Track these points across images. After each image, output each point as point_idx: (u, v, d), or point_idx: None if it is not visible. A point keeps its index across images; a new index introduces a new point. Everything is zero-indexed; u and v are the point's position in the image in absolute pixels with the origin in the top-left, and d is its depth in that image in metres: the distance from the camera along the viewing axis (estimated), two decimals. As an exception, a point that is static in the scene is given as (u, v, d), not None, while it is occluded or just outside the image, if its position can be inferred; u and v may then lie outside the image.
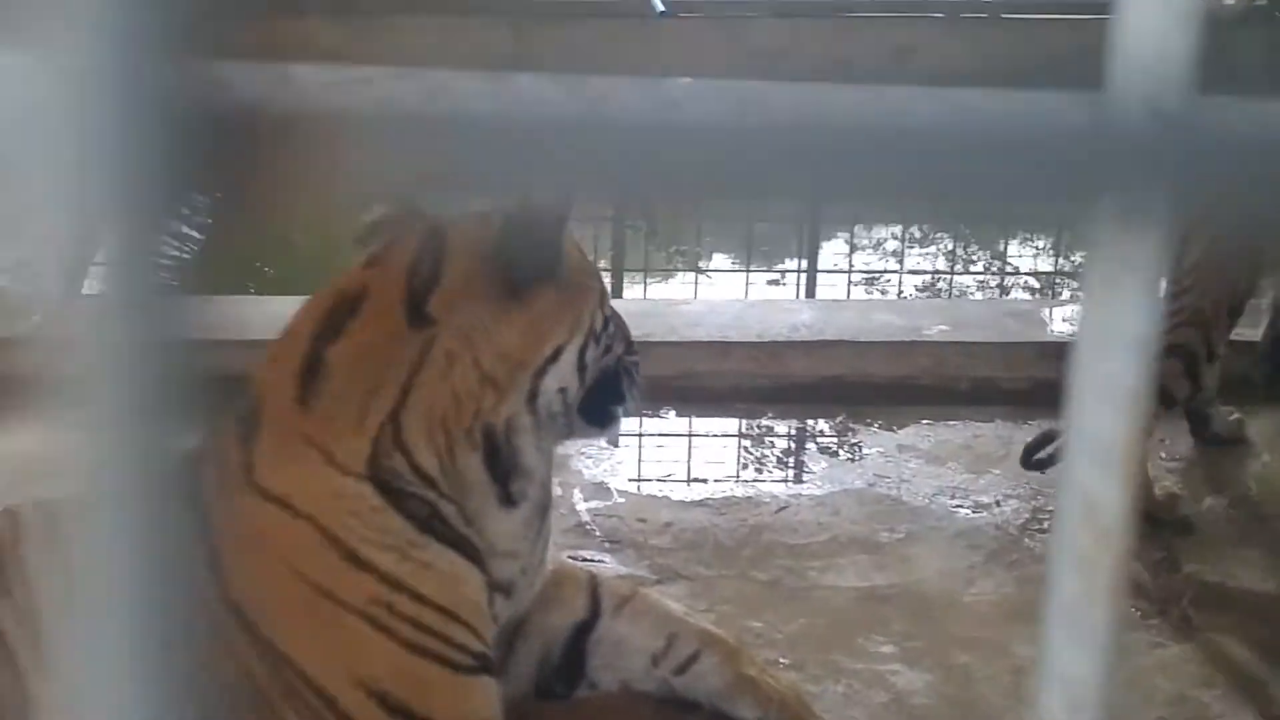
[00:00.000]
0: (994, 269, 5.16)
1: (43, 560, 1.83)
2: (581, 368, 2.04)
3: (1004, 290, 4.99)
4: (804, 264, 5.11)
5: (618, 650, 2.31)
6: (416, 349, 1.94)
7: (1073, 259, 5.08)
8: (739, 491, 3.15)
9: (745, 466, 3.32)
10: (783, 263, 5.22)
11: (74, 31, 0.36)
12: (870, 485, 3.18)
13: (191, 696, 0.42)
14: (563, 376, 2.02)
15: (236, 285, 4.35)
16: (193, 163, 0.35)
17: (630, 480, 3.19)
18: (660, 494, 3.13)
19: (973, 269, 5.19)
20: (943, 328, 3.76)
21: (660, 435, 3.41)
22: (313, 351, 1.94)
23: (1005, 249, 5.29)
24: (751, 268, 5.03)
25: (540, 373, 2.00)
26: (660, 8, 6.18)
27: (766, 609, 2.68)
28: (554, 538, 2.29)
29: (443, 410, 1.95)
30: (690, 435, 3.43)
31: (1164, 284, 3.04)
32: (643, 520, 2.98)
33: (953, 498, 3.13)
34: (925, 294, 4.93)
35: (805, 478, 3.25)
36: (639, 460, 3.30)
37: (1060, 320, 3.86)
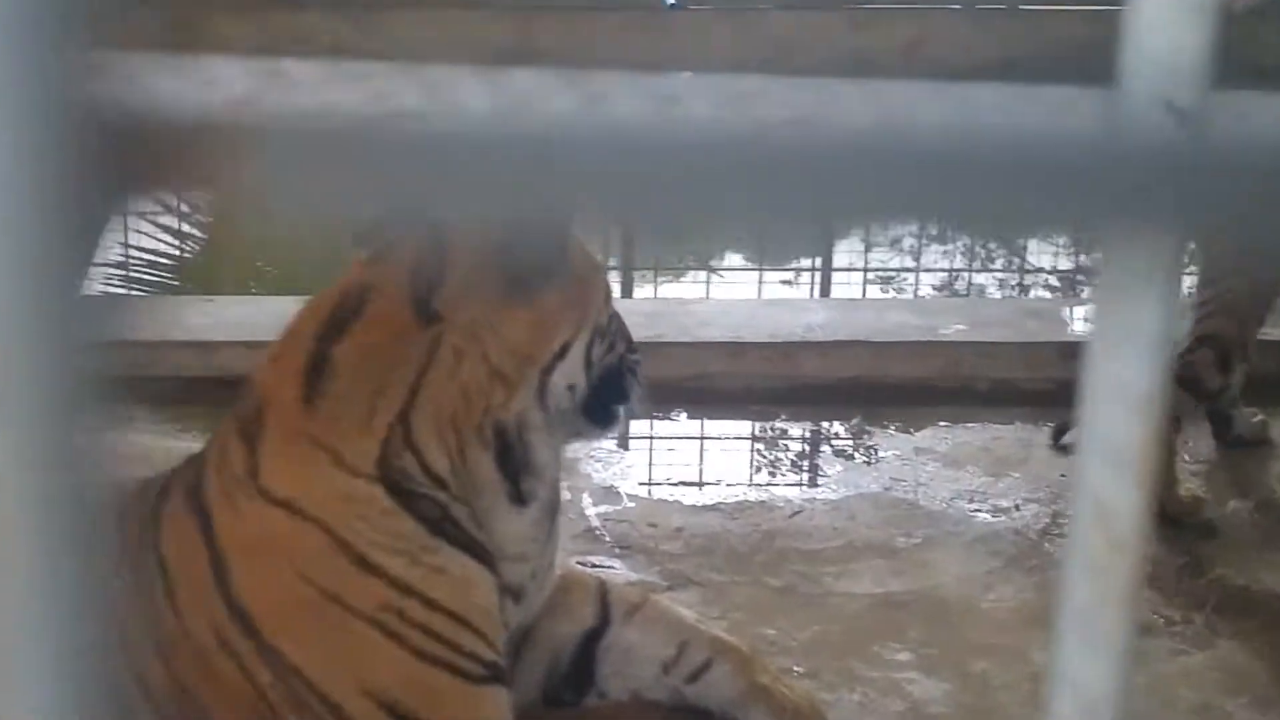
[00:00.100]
0: (1013, 266, 5.09)
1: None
2: (588, 364, 2.03)
3: (1024, 289, 4.92)
4: (818, 262, 5.06)
5: (628, 658, 2.28)
6: (424, 347, 1.92)
7: (1094, 256, 5.01)
8: (752, 495, 3.11)
9: (758, 470, 3.29)
10: (796, 261, 5.16)
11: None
12: (886, 489, 3.14)
13: (109, 700, 0.42)
14: (571, 373, 2.01)
15: (236, 285, 4.32)
16: (104, 162, 0.32)
17: (640, 484, 3.15)
18: (671, 498, 3.09)
19: (991, 267, 5.13)
20: (961, 327, 3.72)
21: (671, 438, 3.38)
22: (317, 351, 1.92)
23: (1025, 246, 5.23)
24: (764, 266, 4.98)
25: (549, 369, 1.99)
26: (670, 0, 6.14)
27: (780, 616, 2.65)
28: (563, 543, 2.27)
29: (453, 408, 1.93)
30: (702, 438, 3.40)
31: (1194, 272, 2.96)
32: (653, 525, 2.95)
33: (971, 501, 3.09)
34: (943, 293, 4.86)
35: (820, 481, 3.21)
36: (649, 463, 3.27)
37: (1081, 319, 3.81)
